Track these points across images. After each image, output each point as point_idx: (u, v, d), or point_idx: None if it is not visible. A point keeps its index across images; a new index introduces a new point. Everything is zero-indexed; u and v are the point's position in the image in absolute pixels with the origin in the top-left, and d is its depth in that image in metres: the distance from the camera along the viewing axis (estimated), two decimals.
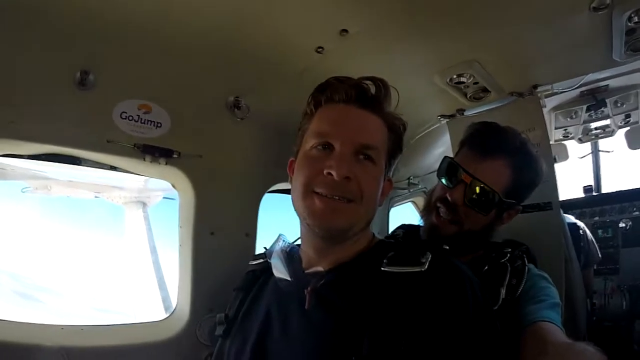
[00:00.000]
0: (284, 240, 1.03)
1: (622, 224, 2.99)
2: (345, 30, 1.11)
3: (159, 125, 1.24)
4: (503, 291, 1.03)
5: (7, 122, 1.03)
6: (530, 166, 1.15)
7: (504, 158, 1.12)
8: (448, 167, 1.17)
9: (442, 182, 1.18)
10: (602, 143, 3.39)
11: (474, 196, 1.10)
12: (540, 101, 1.54)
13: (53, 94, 1.08)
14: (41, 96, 1.07)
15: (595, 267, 2.69)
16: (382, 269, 0.82)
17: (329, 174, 0.81)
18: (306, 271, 0.91)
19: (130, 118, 1.19)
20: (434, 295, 0.76)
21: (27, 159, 1.21)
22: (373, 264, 0.84)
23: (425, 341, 0.72)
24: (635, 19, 1.13)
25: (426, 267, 0.79)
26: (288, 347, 0.82)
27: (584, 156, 3.50)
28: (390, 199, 2.11)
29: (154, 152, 1.23)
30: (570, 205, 3.19)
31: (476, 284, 0.81)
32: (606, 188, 3.49)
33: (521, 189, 1.17)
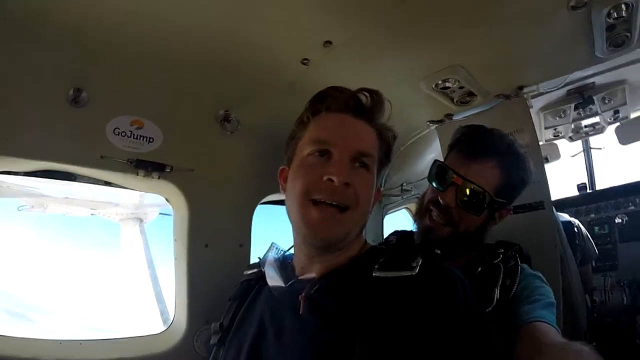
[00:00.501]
0: (276, 249, 1.05)
1: (618, 220, 3.00)
2: (329, 42, 1.14)
3: (151, 140, 1.26)
4: (497, 292, 1.03)
5: (2, 139, 1.05)
6: (519, 166, 1.17)
7: (493, 159, 1.14)
8: (438, 171, 1.19)
9: (433, 185, 1.20)
10: (593, 140, 3.42)
11: (465, 198, 1.12)
12: (527, 102, 1.55)
13: (47, 111, 1.10)
14: (35, 113, 1.09)
15: (594, 264, 2.69)
16: (374, 274, 0.82)
17: (330, 180, 0.82)
18: (299, 277, 0.91)
19: (123, 134, 1.21)
20: (425, 299, 0.76)
21: (23, 175, 1.22)
22: (365, 269, 0.84)
23: (417, 346, 0.72)
24: (614, 15, 1.15)
25: (417, 271, 0.79)
26: (282, 352, 0.82)
27: (575, 154, 3.53)
28: (383, 206, 2.12)
29: (147, 166, 1.24)
30: (565, 204, 3.20)
31: (468, 287, 0.82)
32: (600, 185, 3.52)
33: (511, 189, 1.18)
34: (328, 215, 0.82)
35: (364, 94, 0.92)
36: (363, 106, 0.91)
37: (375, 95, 0.92)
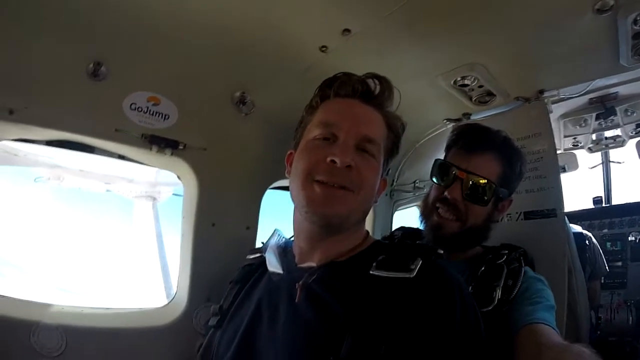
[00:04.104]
0: (279, 235, 1.05)
1: (631, 237, 2.93)
2: (347, 30, 1.13)
3: (166, 117, 1.27)
4: (499, 291, 1.04)
5: (22, 107, 1.08)
6: (517, 156, 1.21)
7: (492, 151, 1.18)
8: (440, 168, 1.22)
9: (436, 182, 1.22)
10: (613, 153, 3.33)
11: (471, 190, 1.15)
12: (547, 107, 1.51)
13: (67, 83, 1.13)
14: (55, 84, 1.12)
15: (602, 281, 2.63)
16: (371, 272, 0.82)
17: (332, 161, 0.82)
18: (299, 266, 0.92)
19: (140, 109, 1.23)
20: (420, 302, 0.75)
21: (43, 145, 1.26)
22: (364, 265, 0.84)
23: (406, 347, 0.72)
24: None
25: (414, 273, 0.78)
26: (274, 338, 0.82)
27: (594, 166, 3.44)
28: (394, 202, 2.10)
29: (160, 142, 1.27)
30: (579, 217, 3.13)
31: (467, 294, 0.81)
32: (616, 200, 3.44)
33: (511, 179, 1.21)
34: (331, 193, 0.83)
35: (373, 80, 0.92)
36: (371, 92, 0.92)
37: (384, 82, 0.92)
